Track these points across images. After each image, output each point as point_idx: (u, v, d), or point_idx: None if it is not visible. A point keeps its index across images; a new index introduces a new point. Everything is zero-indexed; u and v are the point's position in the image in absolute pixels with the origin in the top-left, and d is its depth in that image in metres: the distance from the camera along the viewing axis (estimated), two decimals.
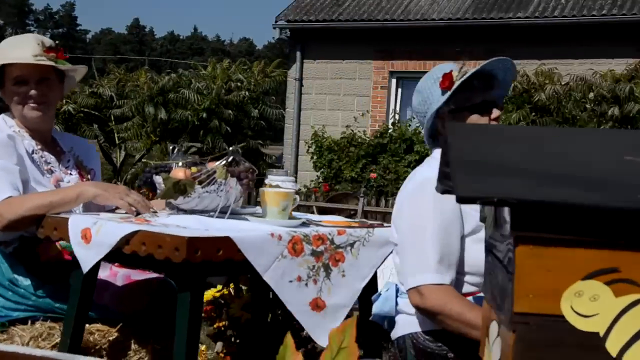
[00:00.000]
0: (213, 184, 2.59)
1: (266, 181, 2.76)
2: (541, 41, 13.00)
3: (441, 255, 2.46)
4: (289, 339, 2.00)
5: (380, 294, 2.63)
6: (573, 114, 11.47)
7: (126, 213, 2.69)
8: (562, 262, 1.50)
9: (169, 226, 2.44)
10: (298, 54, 14.88)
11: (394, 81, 14.44)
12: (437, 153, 2.67)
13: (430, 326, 2.49)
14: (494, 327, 1.74)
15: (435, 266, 2.45)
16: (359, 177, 13.26)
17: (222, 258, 2.32)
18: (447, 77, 2.57)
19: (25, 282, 2.86)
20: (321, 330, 2.46)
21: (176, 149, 2.82)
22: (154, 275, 3.02)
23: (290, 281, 2.41)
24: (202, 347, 3.41)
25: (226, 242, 2.32)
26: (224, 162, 2.59)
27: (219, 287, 3.32)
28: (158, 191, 2.72)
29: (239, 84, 15.46)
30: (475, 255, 2.49)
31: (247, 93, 15.33)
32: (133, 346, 2.81)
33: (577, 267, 1.48)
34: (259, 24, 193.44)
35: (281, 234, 2.42)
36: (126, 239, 2.39)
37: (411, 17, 13.94)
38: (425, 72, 2.72)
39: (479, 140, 1.82)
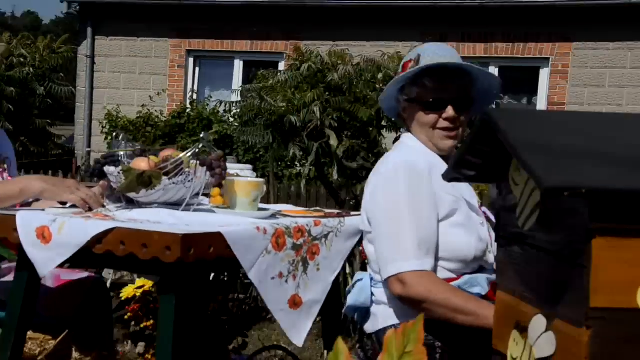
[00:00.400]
0: (180, 174, 2.40)
1: None
2: (335, 23, 13.22)
3: (419, 241, 2.39)
4: (340, 344, 1.87)
5: (354, 285, 2.54)
6: (364, 94, 11.78)
7: (72, 207, 2.44)
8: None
9: (142, 222, 2.23)
10: (89, 30, 14.18)
11: (191, 60, 14.14)
12: (406, 138, 2.62)
13: (414, 316, 2.42)
14: (538, 322, 1.70)
15: (414, 252, 2.38)
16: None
17: (214, 256, 2.15)
18: (405, 66, 2.54)
19: None
20: (297, 329, 2.34)
21: (120, 136, 2.59)
22: (85, 274, 2.77)
23: (273, 278, 2.28)
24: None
25: (217, 239, 2.15)
26: (193, 150, 2.40)
27: (139, 283, 3.10)
28: (113, 184, 2.48)
29: (22, 59, 14.54)
30: (451, 240, 2.45)
31: (31, 70, 14.46)
32: (74, 354, 2.56)
33: None
34: None
35: (266, 227, 2.28)
36: (98, 238, 2.16)
37: None
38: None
39: (536, 126, 1.77)
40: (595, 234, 1.49)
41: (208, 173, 2.40)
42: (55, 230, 2.21)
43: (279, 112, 10.88)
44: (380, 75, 12.13)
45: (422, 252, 2.39)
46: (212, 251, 2.14)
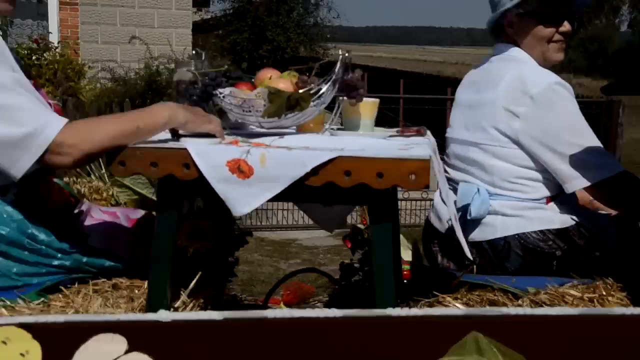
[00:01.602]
0: (320, 97, 2.23)
1: None
2: None
3: None
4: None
5: (473, 198, 2.58)
6: None
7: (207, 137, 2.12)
8: None
9: (331, 150, 2.05)
10: None
11: None
12: (517, 52, 2.68)
13: (539, 226, 2.57)
14: None
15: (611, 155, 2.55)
16: None
17: None
18: None
19: (46, 236, 2.07)
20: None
21: (203, 54, 2.29)
22: (141, 211, 2.43)
23: None
24: None
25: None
26: (337, 69, 2.22)
27: None
28: (227, 107, 2.19)
29: None
30: None
31: None
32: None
33: None
34: None
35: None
36: (314, 169, 1.97)
37: None
38: None
39: None
40: None
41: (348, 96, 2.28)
42: (256, 163, 1.95)
43: None
44: None
45: None
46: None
